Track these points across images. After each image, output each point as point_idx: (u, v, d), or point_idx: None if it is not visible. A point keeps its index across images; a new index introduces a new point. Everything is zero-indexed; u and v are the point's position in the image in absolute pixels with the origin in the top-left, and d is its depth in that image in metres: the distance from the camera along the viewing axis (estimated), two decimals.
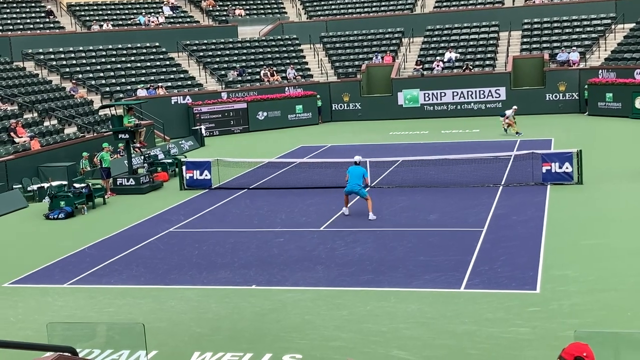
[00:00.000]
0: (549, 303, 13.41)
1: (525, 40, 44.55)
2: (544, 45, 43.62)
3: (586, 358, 5.50)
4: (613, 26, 43.13)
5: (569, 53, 41.62)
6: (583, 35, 43.52)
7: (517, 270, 15.30)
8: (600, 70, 39.33)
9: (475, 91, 41.56)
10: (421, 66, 43.59)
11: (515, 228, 18.60)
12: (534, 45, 43.87)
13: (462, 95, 41.65)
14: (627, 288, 14.01)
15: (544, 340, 11.71)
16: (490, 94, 41.39)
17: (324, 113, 42.93)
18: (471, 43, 45.45)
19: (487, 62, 43.36)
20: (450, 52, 44.25)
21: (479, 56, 44.04)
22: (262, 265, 16.71)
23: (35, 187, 26.22)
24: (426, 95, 42.11)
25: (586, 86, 39.06)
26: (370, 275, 15.62)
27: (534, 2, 47.87)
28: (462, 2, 50.24)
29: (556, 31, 44.66)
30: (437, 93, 42.05)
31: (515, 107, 34.98)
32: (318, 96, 42.50)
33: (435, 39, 46.55)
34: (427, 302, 13.86)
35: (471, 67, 42.77)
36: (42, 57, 40.80)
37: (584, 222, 18.85)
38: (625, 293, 13.77)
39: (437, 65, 43.31)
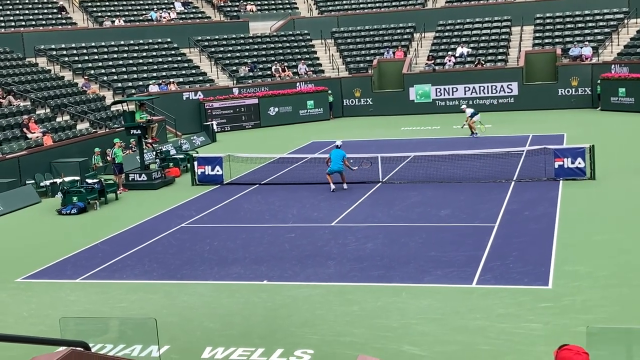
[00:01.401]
0: (561, 299, 13.36)
1: (537, 35, 44.37)
2: (557, 40, 43.42)
3: None
4: (626, 21, 42.88)
5: (581, 48, 41.42)
6: (596, 30, 43.29)
7: (529, 265, 15.26)
8: (613, 65, 39.11)
9: (488, 86, 41.42)
10: (433, 61, 43.48)
11: (527, 223, 18.54)
12: (547, 40, 43.68)
13: (474, 91, 41.53)
14: None
15: (556, 336, 11.66)
16: (502, 89, 41.25)
17: (335, 108, 42.89)
18: (483, 38, 45.30)
19: (499, 57, 43.21)
20: (462, 47, 44.12)
21: (491, 51, 43.89)
22: (273, 261, 16.73)
23: (47, 182, 26.34)
24: (438, 90, 42.00)
25: (599, 81, 38.87)
26: (382, 270, 15.61)
27: None
28: None
29: (569, 26, 44.45)
30: (449, 88, 41.94)
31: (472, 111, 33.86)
32: (330, 92, 42.46)
33: (447, 34, 46.42)
34: (438, 297, 13.84)
35: (483, 62, 42.62)
36: (54, 53, 40.94)
37: (597, 218, 18.77)
38: (638, 289, 13.71)
39: (449, 61, 43.18)
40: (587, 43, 41.89)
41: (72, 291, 15.57)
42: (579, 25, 44.24)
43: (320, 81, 43.26)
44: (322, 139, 34.57)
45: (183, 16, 48.47)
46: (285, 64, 44.61)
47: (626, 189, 21.50)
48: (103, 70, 40.93)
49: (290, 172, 26.89)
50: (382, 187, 23.90)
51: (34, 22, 43.80)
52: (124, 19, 46.69)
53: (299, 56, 46.02)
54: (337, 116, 42.72)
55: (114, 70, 41.33)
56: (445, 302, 13.57)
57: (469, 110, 33.53)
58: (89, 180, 24.67)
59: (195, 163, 26.23)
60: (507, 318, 12.65)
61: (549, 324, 12.28)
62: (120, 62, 42.17)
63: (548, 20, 45.18)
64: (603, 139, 28.32)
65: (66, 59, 40.91)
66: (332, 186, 23.44)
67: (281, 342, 12.21)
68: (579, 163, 22.94)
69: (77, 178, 25.88)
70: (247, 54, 45.59)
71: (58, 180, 25.79)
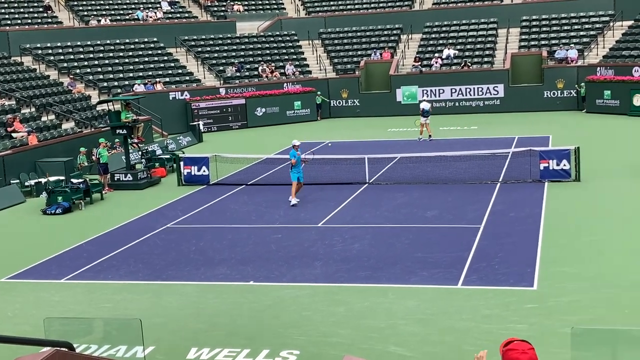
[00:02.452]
0: (546, 300, 13.41)
1: (523, 37, 44.55)
2: (542, 42, 43.61)
3: None
4: (611, 23, 43.13)
5: (567, 50, 41.61)
6: (581, 33, 43.52)
7: (515, 266, 15.31)
8: (598, 68, 39.32)
9: (474, 88, 41.55)
10: (420, 63, 43.58)
11: (513, 225, 18.60)
12: (532, 42, 43.86)
13: (460, 92, 41.65)
14: (625, 285, 14.01)
15: (541, 337, 11.71)
16: (488, 91, 41.38)
17: (323, 109, 42.83)
18: (469, 40, 45.43)
19: (486, 59, 43.36)
20: (448, 48, 44.23)
21: (477, 53, 44.03)
22: (260, 262, 16.70)
23: (32, 182, 26.19)
24: (424, 91, 42.07)
25: (582, 83, 39.07)
26: (368, 271, 15.62)
27: None
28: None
29: (554, 28, 44.66)
30: (435, 90, 42.03)
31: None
32: (319, 93, 42.41)
33: (433, 35, 46.53)
34: (425, 298, 13.86)
35: (469, 64, 42.76)
36: (40, 52, 40.72)
37: (582, 219, 18.86)
38: (623, 290, 13.78)
39: (436, 62, 43.29)
40: (572, 45, 42.09)
41: (57, 291, 15.49)
42: (565, 27, 44.47)
43: (308, 82, 43.26)
44: (309, 140, 34.52)
45: (170, 16, 48.33)
46: (273, 64, 44.57)
47: (611, 191, 21.62)
48: (89, 70, 40.75)
49: (277, 173, 26.86)
50: (369, 187, 23.91)
51: (19, 21, 43.56)
52: (110, 18, 46.51)
53: (286, 57, 45.99)
54: (324, 117, 42.69)
55: (99, 69, 41.15)
56: (431, 303, 13.59)
57: (426, 105, 33.42)
58: (74, 180, 24.54)
59: (182, 163, 26.16)
60: (493, 319, 12.68)
61: (534, 325, 12.32)
62: (106, 61, 42.00)
63: (534, 23, 45.38)
64: (588, 141, 28.46)
65: (52, 58, 40.69)
66: (294, 200, 21.93)
67: (267, 343, 12.19)
68: (564, 165, 23.05)
69: (62, 178, 25.75)
70: (234, 54, 45.51)
71: (43, 180, 25.66)
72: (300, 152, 22.37)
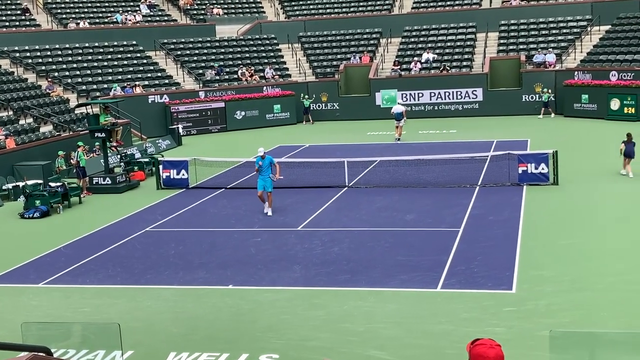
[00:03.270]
0: (525, 303, 13.49)
1: (502, 41, 44.79)
2: (521, 46, 43.87)
3: None
4: (589, 28, 43.49)
5: (545, 54, 41.91)
6: (559, 37, 43.84)
7: (494, 270, 15.38)
8: (576, 72, 39.62)
9: (453, 92, 41.72)
10: (399, 67, 43.70)
11: (491, 228, 18.70)
12: (511, 47, 44.12)
13: (439, 96, 41.80)
14: (603, 288, 14.13)
15: (520, 340, 11.78)
16: (467, 95, 41.57)
17: (301, 113, 42.74)
18: (449, 44, 45.62)
19: (464, 63, 43.55)
20: (427, 52, 44.40)
21: (456, 57, 44.22)
22: (239, 265, 16.67)
23: (10, 185, 25.96)
24: (404, 95, 42.18)
25: (546, 89, 39.39)
26: (348, 275, 15.63)
27: (511, 3, 48.15)
28: (439, 3, 50.41)
29: (533, 33, 44.94)
30: (414, 93, 42.15)
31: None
32: (306, 96, 42.19)
33: (413, 39, 46.67)
34: (404, 301, 13.89)
35: (448, 68, 42.93)
36: (17, 54, 40.39)
37: (560, 223, 18.98)
38: (601, 293, 13.89)
39: (415, 66, 43.44)
40: (550, 50, 42.40)
41: (35, 296, 15.37)
42: (543, 32, 44.77)
43: (287, 85, 43.24)
44: (288, 143, 34.53)
45: (149, 19, 48.14)
46: (252, 67, 44.52)
47: (589, 194, 21.78)
48: (67, 73, 40.48)
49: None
50: (348, 191, 23.94)
51: None
52: (88, 21, 46.25)
53: (266, 60, 45.95)
54: (302, 120, 42.62)
55: (78, 72, 40.89)
56: (410, 306, 13.62)
57: (400, 108, 33.89)
58: (52, 184, 24.37)
59: (161, 167, 26.05)
60: (471, 322, 12.73)
61: (513, 328, 12.39)
62: (85, 64, 41.75)
63: (512, 27, 45.65)
64: (566, 145, 28.66)
65: (30, 61, 40.39)
66: (267, 208, 21.29)
67: (246, 347, 12.16)
68: (543, 168, 23.21)
69: (40, 181, 25.54)
70: (213, 57, 45.41)
71: (21, 184, 25.43)
72: (269, 162, 21.20)
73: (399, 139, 33.56)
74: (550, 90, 39.55)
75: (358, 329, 12.68)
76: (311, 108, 42.20)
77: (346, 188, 24.24)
